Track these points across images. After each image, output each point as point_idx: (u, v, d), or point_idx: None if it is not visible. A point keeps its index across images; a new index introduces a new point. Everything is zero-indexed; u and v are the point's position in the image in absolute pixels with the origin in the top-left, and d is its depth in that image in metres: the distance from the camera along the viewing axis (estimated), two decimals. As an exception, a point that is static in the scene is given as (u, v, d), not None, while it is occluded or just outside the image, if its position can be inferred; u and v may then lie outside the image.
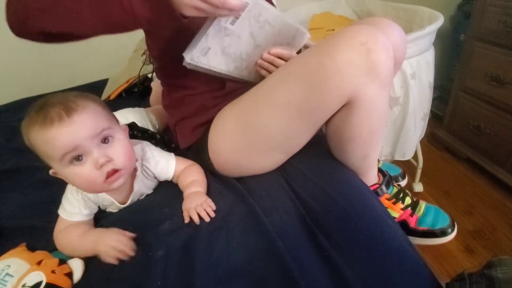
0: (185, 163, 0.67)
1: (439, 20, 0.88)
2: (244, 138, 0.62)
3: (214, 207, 0.57)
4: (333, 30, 1.29)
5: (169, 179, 0.66)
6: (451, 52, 1.56)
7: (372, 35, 0.49)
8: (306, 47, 0.87)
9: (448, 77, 1.59)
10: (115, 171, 0.52)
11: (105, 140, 0.52)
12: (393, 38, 0.59)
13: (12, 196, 0.72)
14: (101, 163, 0.50)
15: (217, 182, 0.67)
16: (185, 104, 0.69)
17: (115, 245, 0.51)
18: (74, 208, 0.58)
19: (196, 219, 0.54)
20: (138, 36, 0.75)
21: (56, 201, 0.68)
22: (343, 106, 0.55)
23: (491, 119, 1.18)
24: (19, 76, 1.32)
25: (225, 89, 0.68)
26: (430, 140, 1.50)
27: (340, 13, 1.37)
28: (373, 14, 1.25)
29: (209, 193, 0.64)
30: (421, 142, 1.16)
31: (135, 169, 0.62)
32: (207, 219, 0.55)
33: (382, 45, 0.49)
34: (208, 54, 0.55)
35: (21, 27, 0.49)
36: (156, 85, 1.06)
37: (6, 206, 0.69)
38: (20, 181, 0.77)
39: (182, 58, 0.66)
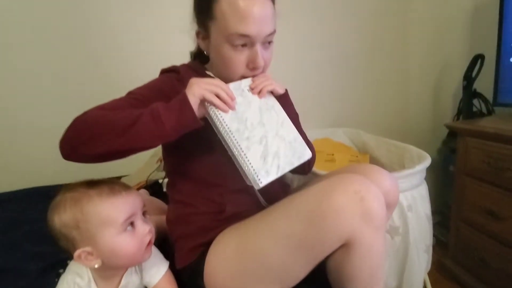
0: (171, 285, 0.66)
1: (427, 161, 0.99)
2: (243, 266, 0.62)
3: None
4: (332, 154, 1.42)
5: (150, 285, 0.65)
6: (443, 181, 1.63)
7: (365, 185, 0.56)
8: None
9: (445, 203, 1.62)
10: (149, 242, 0.60)
11: (144, 214, 0.62)
12: (385, 184, 0.66)
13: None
14: (148, 230, 0.59)
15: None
16: (186, 222, 0.72)
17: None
18: None
19: None
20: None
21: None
22: (342, 246, 0.57)
23: (494, 253, 1.13)
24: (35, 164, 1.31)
25: (225, 213, 0.71)
26: (438, 268, 1.42)
27: (338, 140, 1.54)
28: (367, 145, 1.41)
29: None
30: (430, 271, 1.10)
31: None
32: None
33: (374, 195, 0.55)
34: None
35: (75, 152, 0.56)
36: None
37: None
38: (4, 285, 0.72)
39: (191, 175, 0.71)
